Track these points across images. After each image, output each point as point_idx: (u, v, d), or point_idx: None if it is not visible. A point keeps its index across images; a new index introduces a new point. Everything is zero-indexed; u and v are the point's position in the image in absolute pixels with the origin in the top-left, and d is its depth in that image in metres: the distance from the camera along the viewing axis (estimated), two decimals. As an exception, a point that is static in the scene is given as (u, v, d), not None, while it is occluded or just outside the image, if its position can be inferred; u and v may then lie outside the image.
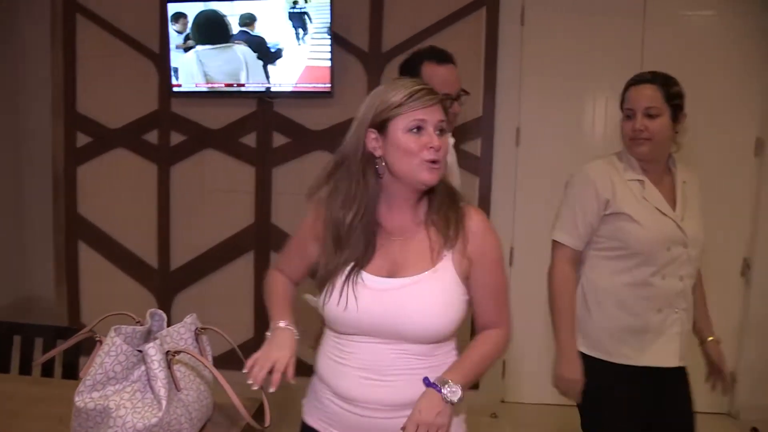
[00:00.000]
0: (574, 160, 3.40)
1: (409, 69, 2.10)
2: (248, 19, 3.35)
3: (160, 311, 1.49)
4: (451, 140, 2.18)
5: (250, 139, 3.61)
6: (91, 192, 3.77)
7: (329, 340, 1.47)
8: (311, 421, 1.51)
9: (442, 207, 1.39)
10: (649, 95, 1.88)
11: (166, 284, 3.75)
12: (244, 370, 1.30)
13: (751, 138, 3.41)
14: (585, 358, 1.95)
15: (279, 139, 3.58)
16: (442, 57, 2.09)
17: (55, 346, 1.71)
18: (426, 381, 1.34)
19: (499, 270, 1.43)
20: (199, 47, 3.42)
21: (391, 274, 1.37)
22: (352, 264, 1.38)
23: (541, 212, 3.41)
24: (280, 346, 1.34)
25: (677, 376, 1.99)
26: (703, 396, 3.52)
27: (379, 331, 1.36)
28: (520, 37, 3.39)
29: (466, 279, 1.39)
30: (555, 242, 2.00)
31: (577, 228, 1.94)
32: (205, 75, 3.43)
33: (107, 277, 3.79)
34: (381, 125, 1.32)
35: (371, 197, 1.36)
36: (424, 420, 1.28)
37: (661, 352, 1.93)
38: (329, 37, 3.30)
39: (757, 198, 3.42)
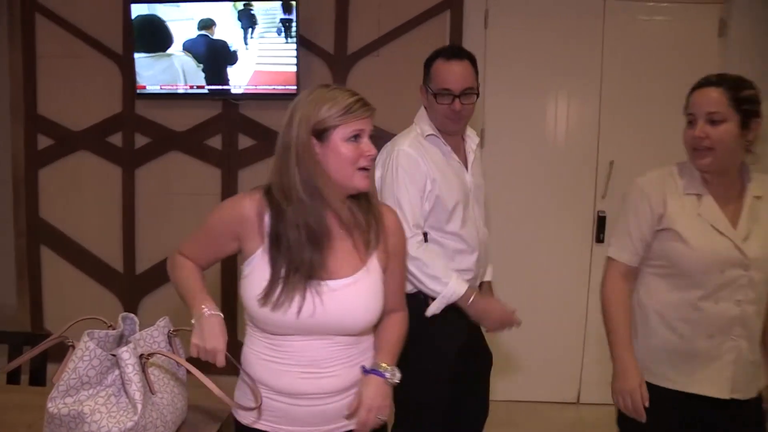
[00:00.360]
0: (539, 161, 3.52)
1: (427, 62, 2.16)
2: (208, 23, 3.33)
3: (132, 315, 1.50)
4: (476, 139, 2.29)
5: (215, 142, 3.59)
6: (53, 195, 3.70)
7: (257, 340, 1.49)
8: (252, 423, 1.50)
9: (362, 209, 1.49)
10: (713, 99, 1.69)
11: (132, 288, 3.70)
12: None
13: (706, 138, 3.53)
14: None
15: (245, 141, 3.57)
16: (452, 53, 2.12)
17: (22, 353, 1.70)
18: (366, 369, 1.48)
19: (405, 261, 1.66)
20: (136, 55, 3.41)
21: (330, 275, 1.43)
22: (306, 272, 1.41)
23: (506, 212, 3.49)
24: (213, 335, 1.38)
25: (740, 413, 1.79)
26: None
27: (320, 329, 1.43)
28: (484, 39, 3.45)
29: (385, 271, 1.52)
30: (609, 258, 1.89)
31: (631, 243, 1.82)
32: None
33: (71, 282, 3.73)
34: (321, 133, 1.39)
35: (318, 203, 1.41)
36: (374, 405, 1.43)
37: (710, 381, 1.75)
38: (295, 39, 3.31)
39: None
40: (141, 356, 1.35)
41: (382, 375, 1.47)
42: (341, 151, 1.39)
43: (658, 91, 3.48)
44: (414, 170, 2.05)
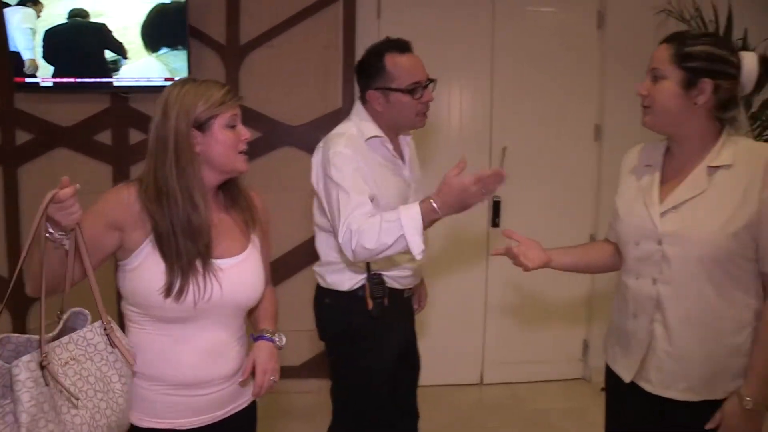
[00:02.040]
0: (434, 148, 3.59)
1: (371, 63, 2.01)
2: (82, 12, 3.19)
3: (84, 311, 1.41)
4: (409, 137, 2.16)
5: (105, 137, 3.45)
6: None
7: (149, 334, 1.46)
8: (146, 423, 1.48)
9: (234, 191, 1.59)
10: (658, 55, 1.56)
11: (19, 295, 3.48)
12: None
13: (591, 125, 3.72)
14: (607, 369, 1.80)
15: (136, 136, 3.45)
16: (404, 46, 2.02)
17: None
18: (255, 337, 1.59)
19: (269, 241, 1.74)
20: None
21: (222, 255, 1.49)
22: (199, 257, 1.44)
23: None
24: None
25: (673, 413, 1.59)
26: (559, 364, 3.85)
27: (217, 311, 1.47)
28: (377, 29, 3.48)
29: (260, 249, 1.62)
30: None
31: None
32: (55, 69, 3.23)
33: (-51, 290, 3.49)
34: (203, 124, 1.45)
35: (197, 192, 1.45)
36: (268, 367, 1.52)
37: (624, 361, 1.67)
38: (185, 30, 3.22)
39: (598, 179, 3.73)
40: (41, 365, 1.22)
41: (271, 340, 1.58)
42: (223, 138, 1.47)
43: (545, 79, 3.63)
44: (353, 166, 1.90)
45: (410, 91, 1.96)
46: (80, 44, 3.23)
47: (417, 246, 1.69)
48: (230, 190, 1.58)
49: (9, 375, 1.19)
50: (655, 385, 1.59)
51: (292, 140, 3.48)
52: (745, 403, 1.48)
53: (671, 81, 1.52)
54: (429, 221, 1.72)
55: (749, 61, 1.53)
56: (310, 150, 2.08)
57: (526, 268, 1.78)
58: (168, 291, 1.40)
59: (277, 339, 1.60)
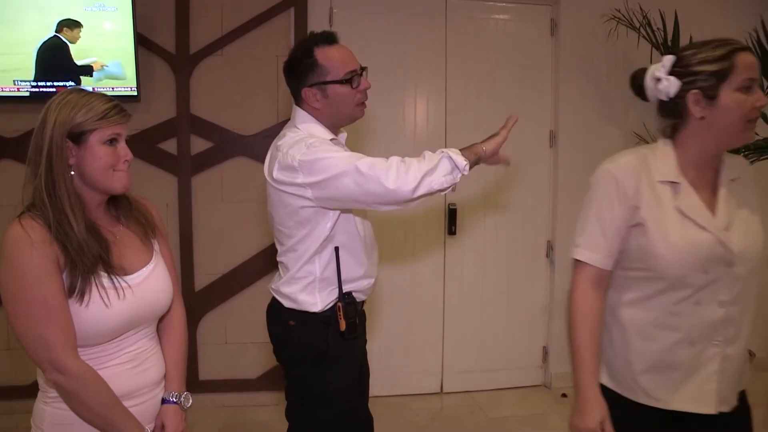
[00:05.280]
0: (389, 156, 3.56)
1: (300, 60, 1.90)
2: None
3: None
4: (344, 133, 2.06)
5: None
6: None
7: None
8: None
9: (124, 203, 1.55)
10: (753, 63, 1.43)
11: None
12: None
13: (546, 131, 3.74)
14: (608, 393, 1.57)
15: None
16: (331, 38, 1.93)
17: None
18: (164, 400, 1.57)
19: (169, 246, 1.69)
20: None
21: (132, 269, 1.48)
22: (103, 273, 1.40)
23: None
24: None
25: (729, 427, 1.54)
26: (520, 371, 3.85)
27: (135, 323, 1.47)
28: (330, 37, 3.46)
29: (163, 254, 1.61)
30: (577, 261, 1.58)
31: (605, 242, 1.53)
32: None
33: None
34: (78, 136, 1.39)
35: (74, 203, 1.39)
36: (179, 430, 1.56)
37: (693, 395, 1.51)
38: (134, 38, 3.16)
39: (554, 184, 3.75)
40: None
41: (177, 403, 1.59)
42: (98, 154, 1.40)
43: (499, 86, 3.65)
44: (326, 145, 1.84)
45: (348, 81, 1.89)
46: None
47: (461, 161, 1.77)
48: (119, 202, 1.54)
49: None
50: (730, 402, 1.54)
51: (244, 150, 3.43)
52: None
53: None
54: (473, 155, 1.84)
55: None
56: (263, 159, 1.97)
57: None
58: (71, 289, 1.34)
59: (183, 400, 1.60)
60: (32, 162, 1.40)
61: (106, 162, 1.42)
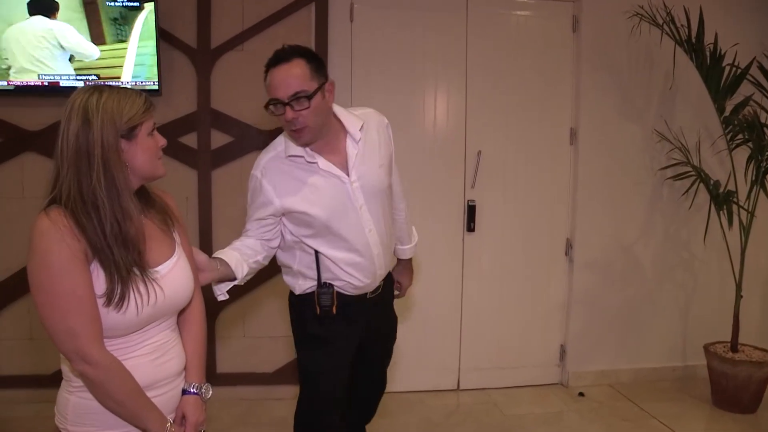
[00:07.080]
0: (409, 153, 3.57)
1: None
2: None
3: None
4: (358, 135, 2.05)
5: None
6: None
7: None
8: None
9: (147, 194, 1.56)
10: None
11: None
12: None
13: (566, 128, 3.71)
14: None
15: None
16: (274, 59, 1.96)
17: None
18: (185, 391, 1.59)
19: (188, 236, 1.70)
20: None
21: (158, 261, 1.49)
22: (137, 266, 1.41)
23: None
24: None
25: None
26: (537, 369, 3.84)
27: (160, 315, 1.48)
28: (350, 33, 3.46)
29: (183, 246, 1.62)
30: None
31: None
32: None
33: None
34: (129, 131, 1.40)
35: (123, 201, 1.40)
36: (198, 421, 1.59)
37: None
38: (156, 33, 3.18)
39: (574, 182, 3.72)
40: None
41: (198, 393, 1.61)
42: (148, 145, 1.45)
43: (520, 83, 3.62)
44: (255, 195, 2.04)
45: (266, 106, 1.95)
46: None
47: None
48: (142, 194, 1.54)
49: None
50: None
51: (264, 145, 3.37)
52: None
53: None
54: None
55: None
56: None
57: None
58: (109, 299, 1.35)
59: (204, 391, 1.62)
60: (76, 165, 1.34)
61: (155, 152, 1.47)
